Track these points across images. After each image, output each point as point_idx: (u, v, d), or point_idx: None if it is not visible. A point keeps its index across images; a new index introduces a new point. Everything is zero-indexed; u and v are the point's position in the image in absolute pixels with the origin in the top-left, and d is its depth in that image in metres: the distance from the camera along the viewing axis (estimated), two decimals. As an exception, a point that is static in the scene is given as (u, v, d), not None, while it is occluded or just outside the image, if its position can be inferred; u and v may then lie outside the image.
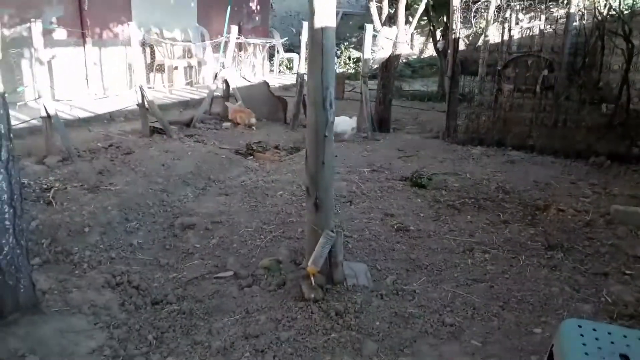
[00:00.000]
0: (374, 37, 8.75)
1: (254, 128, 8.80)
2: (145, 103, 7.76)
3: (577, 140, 7.16)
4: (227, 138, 8.12)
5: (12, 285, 3.05)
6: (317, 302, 3.21)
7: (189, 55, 13.05)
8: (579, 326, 2.12)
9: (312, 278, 3.27)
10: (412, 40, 23.34)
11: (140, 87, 7.72)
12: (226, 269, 3.86)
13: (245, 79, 10.05)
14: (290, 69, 18.68)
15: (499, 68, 8.75)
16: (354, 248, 4.07)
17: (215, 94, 9.69)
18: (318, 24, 2.95)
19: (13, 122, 7.82)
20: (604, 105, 8.50)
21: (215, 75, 9.46)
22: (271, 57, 17.80)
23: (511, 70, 9.22)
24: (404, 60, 24.89)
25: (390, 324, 3.03)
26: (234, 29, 9.16)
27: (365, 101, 8.29)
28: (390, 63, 9.09)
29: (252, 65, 15.84)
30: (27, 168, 5.85)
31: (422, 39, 23.21)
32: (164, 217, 4.86)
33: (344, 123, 8.24)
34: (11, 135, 2.97)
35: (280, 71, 17.67)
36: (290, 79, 16.14)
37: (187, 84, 13.25)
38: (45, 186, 5.22)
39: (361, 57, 8.77)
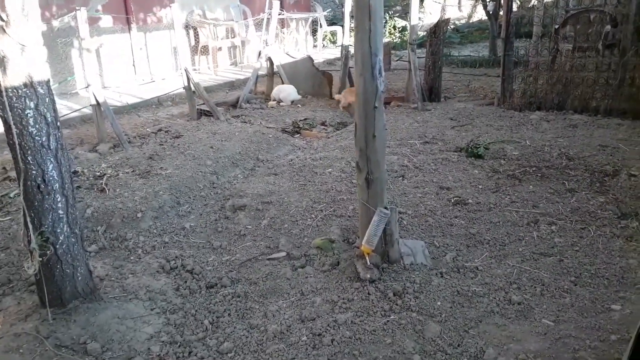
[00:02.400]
0: (421, 2, 8.37)
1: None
2: (192, 86, 7.75)
3: (647, 99, 6.62)
4: (273, 117, 8.03)
5: (69, 274, 3.08)
6: (373, 282, 3.08)
7: (232, 35, 13.01)
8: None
9: (366, 257, 3.13)
10: (459, 4, 22.44)
11: (186, 70, 7.71)
12: (279, 250, 3.79)
13: (289, 55, 9.88)
14: (334, 42, 18.35)
15: (557, 26, 8.20)
16: (408, 225, 3.89)
17: (260, 72, 9.60)
18: (363, -15, 2.75)
19: (65, 110, 8.01)
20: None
21: (259, 54, 9.36)
22: (314, 31, 17.52)
23: (570, 28, 8.63)
24: (452, 26, 24.01)
25: (453, 303, 2.87)
26: (275, 4, 8.98)
27: (413, 70, 7.98)
28: (439, 28, 8.67)
29: (295, 41, 15.65)
30: (80, 156, 5.98)
31: (470, 2, 22.23)
32: (214, 199, 4.83)
33: (293, 91, 9.02)
34: (59, 123, 2.94)
35: (324, 45, 17.38)
36: (334, 52, 15.85)
37: (232, 64, 13.25)
38: (98, 173, 5.30)
39: (408, 24, 8.41)
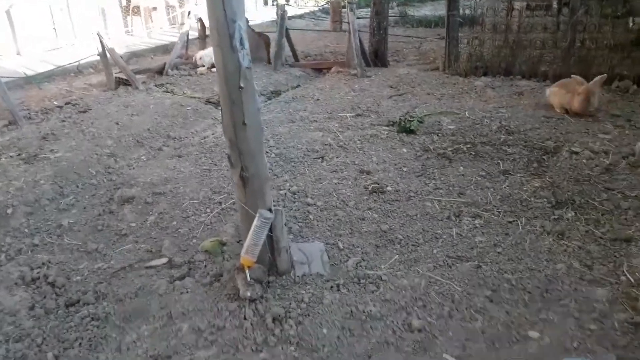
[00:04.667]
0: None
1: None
2: (107, 52, 6.94)
3: (598, 63, 6.14)
4: (201, 85, 7.30)
5: None
6: (253, 301, 2.54)
7: (169, -7, 12.00)
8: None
9: (246, 272, 2.58)
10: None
11: (98, 34, 6.89)
12: (160, 255, 3.20)
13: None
14: (288, 1, 17.38)
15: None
16: (315, 220, 3.34)
17: (192, 35, 8.78)
18: None
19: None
20: (631, 19, 7.37)
21: (188, 14, 8.52)
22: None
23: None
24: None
25: (342, 330, 2.34)
26: (204, -42, 8.10)
27: (352, 31, 7.30)
28: (382, -15, 7.99)
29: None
30: (-33, 136, 5.20)
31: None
32: (105, 188, 4.18)
33: None
34: None
35: (275, 4, 16.39)
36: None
37: (172, 25, 12.26)
38: (-23, 159, 4.58)
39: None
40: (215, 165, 4.33)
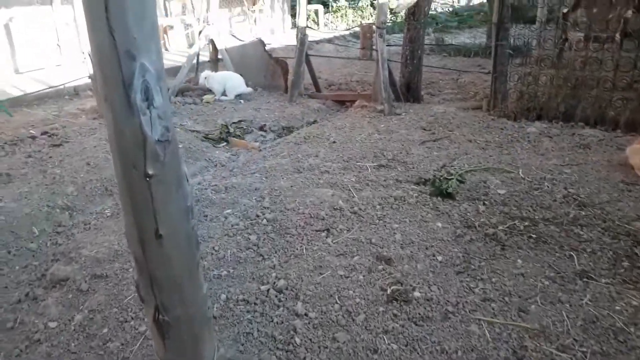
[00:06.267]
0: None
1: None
2: (99, 74, 6.08)
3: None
4: (204, 116, 6.37)
5: None
6: None
7: (186, 12, 11.24)
8: None
9: None
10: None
11: (89, 54, 6.02)
12: (72, 387, 2.17)
13: (235, 37, 8.19)
14: (317, 23, 16.55)
15: (564, 10, 6.51)
16: (303, 346, 2.25)
17: (203, 58, 7.92)
18: None
19: None
20: None
21: (199, 34, 7.65)
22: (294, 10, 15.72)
23: (582, 13, 6.90)
24: (449, 8, 22.24)
25: None
26: (218, -27, 7.27)
27: (381, 61, 6.26)
28: (419, 8, 6.98)
29: (270, 21, 13.87)
30: None
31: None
32: (44, 257, 3.20)
33: (241, 82, 7.24)
34: None
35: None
36: (314, 35, 14.05)
37: (190, 45, 11.49)
38: None
39: (376, 1, 6.66)
40: (187, 234, 3.30)
